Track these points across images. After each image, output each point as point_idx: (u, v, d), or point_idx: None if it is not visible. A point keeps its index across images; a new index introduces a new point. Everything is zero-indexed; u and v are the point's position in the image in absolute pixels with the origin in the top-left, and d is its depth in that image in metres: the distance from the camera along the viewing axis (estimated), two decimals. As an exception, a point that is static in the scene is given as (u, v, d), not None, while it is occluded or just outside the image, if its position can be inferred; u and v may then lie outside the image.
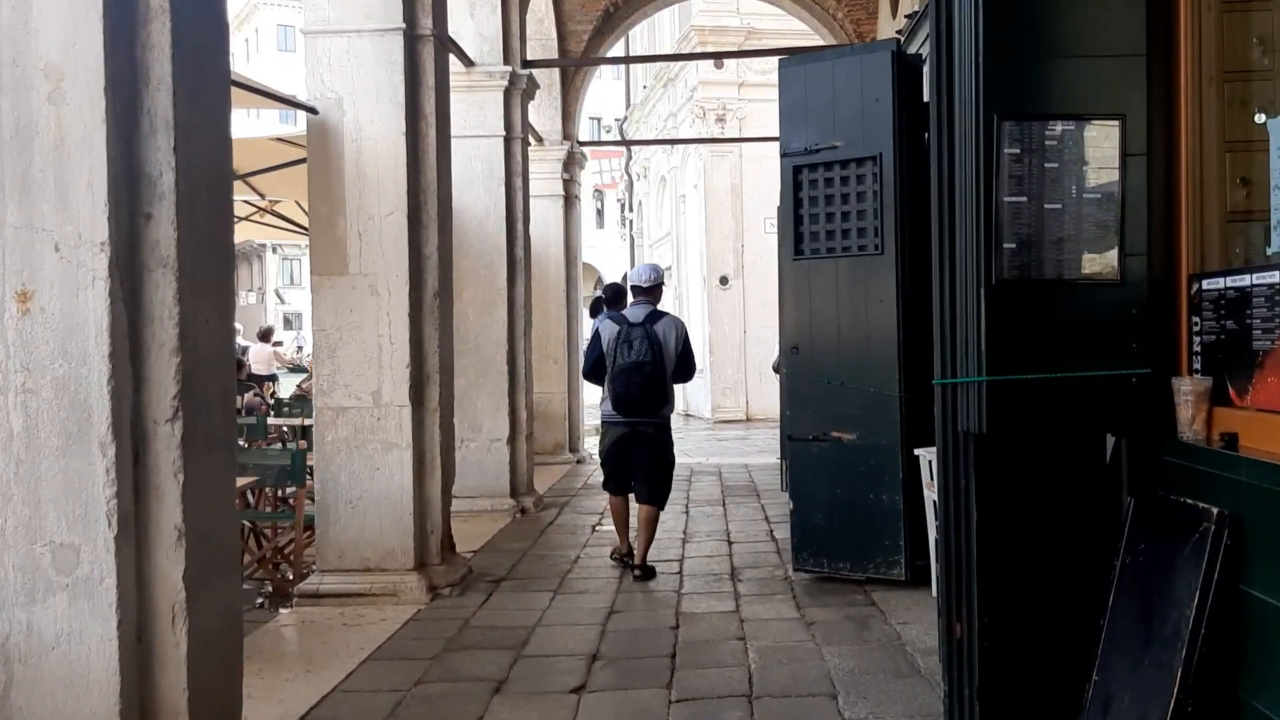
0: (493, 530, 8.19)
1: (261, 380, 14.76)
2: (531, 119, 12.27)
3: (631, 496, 6.71)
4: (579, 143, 12.95)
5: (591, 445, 14.65)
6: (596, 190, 56.97)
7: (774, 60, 19.15)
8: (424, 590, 5.99)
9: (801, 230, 6.01)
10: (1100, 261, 3.05)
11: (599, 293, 7.11)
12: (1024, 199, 3.00)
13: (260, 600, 6.55)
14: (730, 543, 7.54)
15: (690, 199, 20.62)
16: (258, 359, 16.11)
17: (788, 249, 6.10)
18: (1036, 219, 3.01)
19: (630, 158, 26.39)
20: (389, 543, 6.08)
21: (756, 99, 18.80)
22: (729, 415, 19.20)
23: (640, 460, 6.51)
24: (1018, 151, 2.99)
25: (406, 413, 6.08)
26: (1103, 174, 3.04)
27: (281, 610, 6.16)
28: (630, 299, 6.82)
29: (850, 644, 4.93)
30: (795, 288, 6.09)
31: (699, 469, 12.01)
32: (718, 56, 15.23)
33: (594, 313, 6.98)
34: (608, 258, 55.47)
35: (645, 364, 6.28)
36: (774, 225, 20.02)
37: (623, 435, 6.52)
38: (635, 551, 6.55)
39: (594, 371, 6.57)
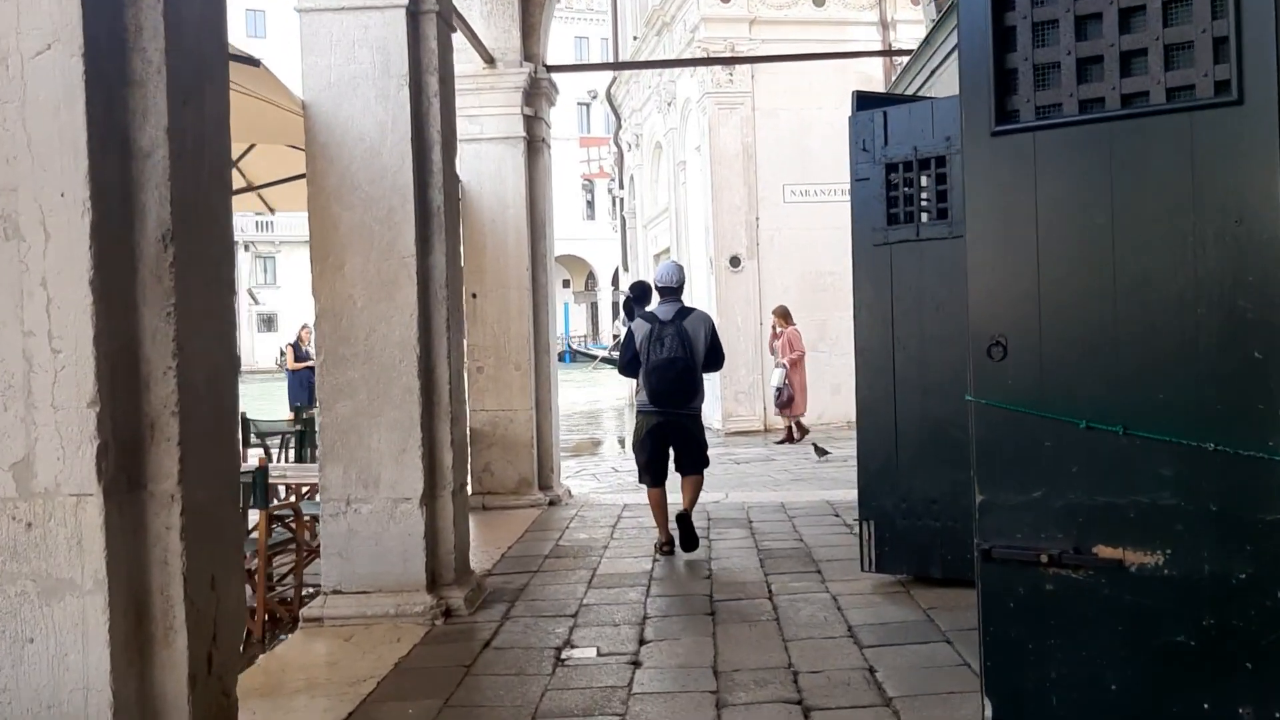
0: (384, 665, 4.71)
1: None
2: (478, 28, 8.82)
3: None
4: (546, 66, 9.44)
5: (568, 473, 11.23)
6: (585, 179, 53.79)
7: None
8: None
9: (1013, 62, 2.52)
10: None
11: (628, 293, 7.62)
12: None
13: None
14: (805, 708, 4.07)
15: (692, 164, 17.10)
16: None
17: (980, 112, 2.59)
18: None
19: (621, 126, 22.85)
20: (61, 808, 2.64)
21: (771, 38, 15.32)
22: (743, 425, 15.71)
23: (677, 445, 7.00)
24: None
25: (94, 509, 2.64)
26: None
27: None
28: (657, 298, 7.14)
29: None
30: (998, 202, 2.57)
31: (718, 511, 8.56)
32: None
33: (628, 314, 7.35)
34: (599, 250, 52.03)
35: (678, 360, 6.78)
36: (796, 192, 16.50)
37: (657, 424, 6.95)
38: (681, 509, 6.89)
39: (629, 367, 7.09)
